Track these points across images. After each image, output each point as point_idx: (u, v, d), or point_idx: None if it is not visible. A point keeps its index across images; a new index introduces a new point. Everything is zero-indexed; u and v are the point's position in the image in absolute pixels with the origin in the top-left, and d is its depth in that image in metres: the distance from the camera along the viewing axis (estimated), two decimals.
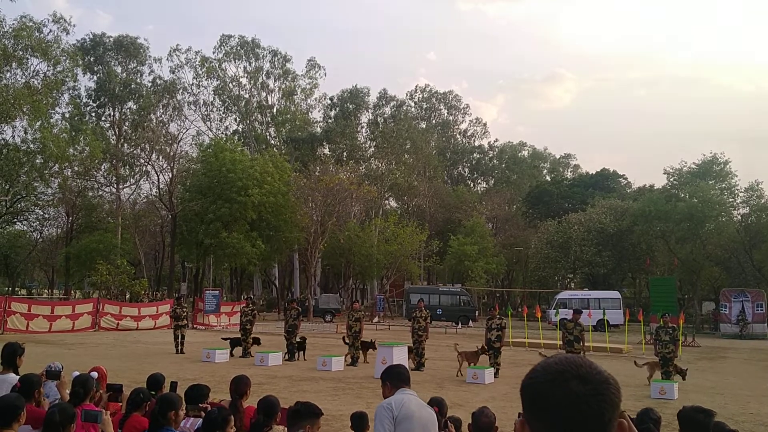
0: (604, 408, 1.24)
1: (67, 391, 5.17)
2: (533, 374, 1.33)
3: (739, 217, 45.40)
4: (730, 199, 44.46)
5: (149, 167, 48.55)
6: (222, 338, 22.71)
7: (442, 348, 23.04)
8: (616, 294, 42.75)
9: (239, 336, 21.47)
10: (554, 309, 39.61)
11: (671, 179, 47.01)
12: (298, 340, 20.03)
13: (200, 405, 5.14)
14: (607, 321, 32.73)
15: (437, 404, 5.15)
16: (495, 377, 16.44)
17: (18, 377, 5.25)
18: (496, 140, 79.02)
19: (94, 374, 5.68)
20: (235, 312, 34.81)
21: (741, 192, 44.70)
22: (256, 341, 21.51)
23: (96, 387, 5.45)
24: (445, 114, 76.60)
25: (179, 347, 21.40)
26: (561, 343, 18.83)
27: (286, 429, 4.74)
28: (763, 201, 44.04)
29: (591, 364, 1.30)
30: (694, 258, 44.31)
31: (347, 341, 19.53)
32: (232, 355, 20.15)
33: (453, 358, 20.91)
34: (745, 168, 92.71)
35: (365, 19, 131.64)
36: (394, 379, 4.61)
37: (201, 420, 4.71)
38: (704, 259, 44.18)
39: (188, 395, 5.24)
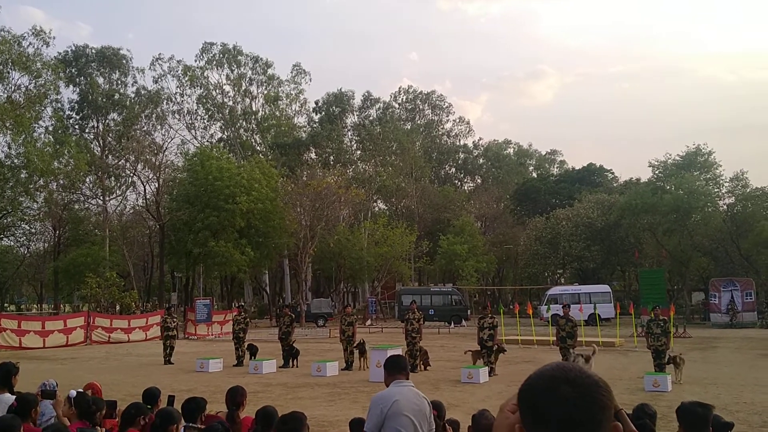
0: (593, 410, 1.28)
1: (62, 410, 5.14)
2: (529, 381, 1.37)
3: (725, 207, 45.72)
4: (716, 190, 44.77)
5: (135, 178, 48.30)
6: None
7: (435, 348, 23.07)
8: (606, 288, 43.03)
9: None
10: (545, 305, 39.80)
11: (656, 172, 47.25)
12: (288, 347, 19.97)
13: (196, 426, 5.11)
14: (599, 315, 32.92)
15: (436, 408, 5.17)
16: (489, 376, 16.50)
17: (14, 397, 5.22)
18: (481, 139, 79.28)
19: (82, 390, 5.65)
20: (227, 321, 34.70)
21: (726, 182, 45.05)
22: (252, 349, 21.27)
23: (98, 404, 5.39)
24: (430, 114, 76.56)
25: (167, 357, 21.49)
26: (554, 339, 18.99)
27: None
28: (748, 190, 44.39)
29: (581, 369, 1.34)
30: (682, 249, 44.63)
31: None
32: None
33: (447, 358, 21.03)
34: (729, 158, 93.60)
35: (346, 21, 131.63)
36: (389, 367, 4.79)
37: None
38: (692, 250, 44.50)
39: (185, 409, 5.22)
